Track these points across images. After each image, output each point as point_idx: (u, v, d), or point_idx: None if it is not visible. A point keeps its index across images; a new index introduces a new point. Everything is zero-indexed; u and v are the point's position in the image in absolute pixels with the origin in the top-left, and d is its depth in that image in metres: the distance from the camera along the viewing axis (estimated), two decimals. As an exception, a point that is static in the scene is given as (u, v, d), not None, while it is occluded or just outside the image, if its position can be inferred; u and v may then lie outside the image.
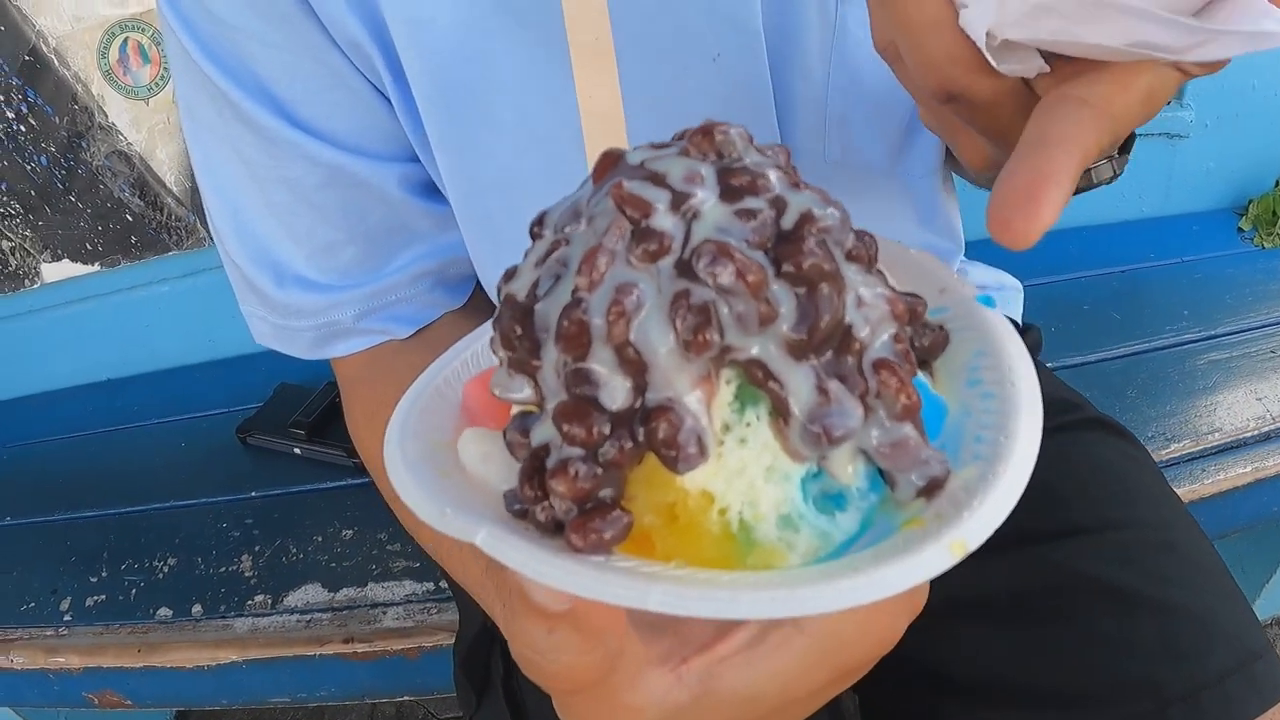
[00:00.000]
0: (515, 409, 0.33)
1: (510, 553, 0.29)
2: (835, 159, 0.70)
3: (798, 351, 0.27)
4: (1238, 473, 1.16)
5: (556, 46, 0.60)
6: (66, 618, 1.37)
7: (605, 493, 0.29)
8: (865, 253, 0.30)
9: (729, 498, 0.29)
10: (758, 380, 0.28)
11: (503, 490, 0.32)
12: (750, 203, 0.28)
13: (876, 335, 0.29)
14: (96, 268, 1.73)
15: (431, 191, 0.75)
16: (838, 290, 0.28)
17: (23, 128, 1.56)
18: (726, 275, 0.26)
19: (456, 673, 0.87)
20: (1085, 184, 0.51)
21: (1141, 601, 0.72)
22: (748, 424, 0.29)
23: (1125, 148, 0.53)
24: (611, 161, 0.31)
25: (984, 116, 0.41)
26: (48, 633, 1.36)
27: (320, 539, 1.36)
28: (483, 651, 0.84)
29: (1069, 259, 1.55)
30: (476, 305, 0.83)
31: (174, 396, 1.81)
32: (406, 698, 1.32)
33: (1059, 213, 0.32)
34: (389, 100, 0.69)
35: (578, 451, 0.28)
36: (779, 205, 0.29)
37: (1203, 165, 1.66)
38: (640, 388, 0.28)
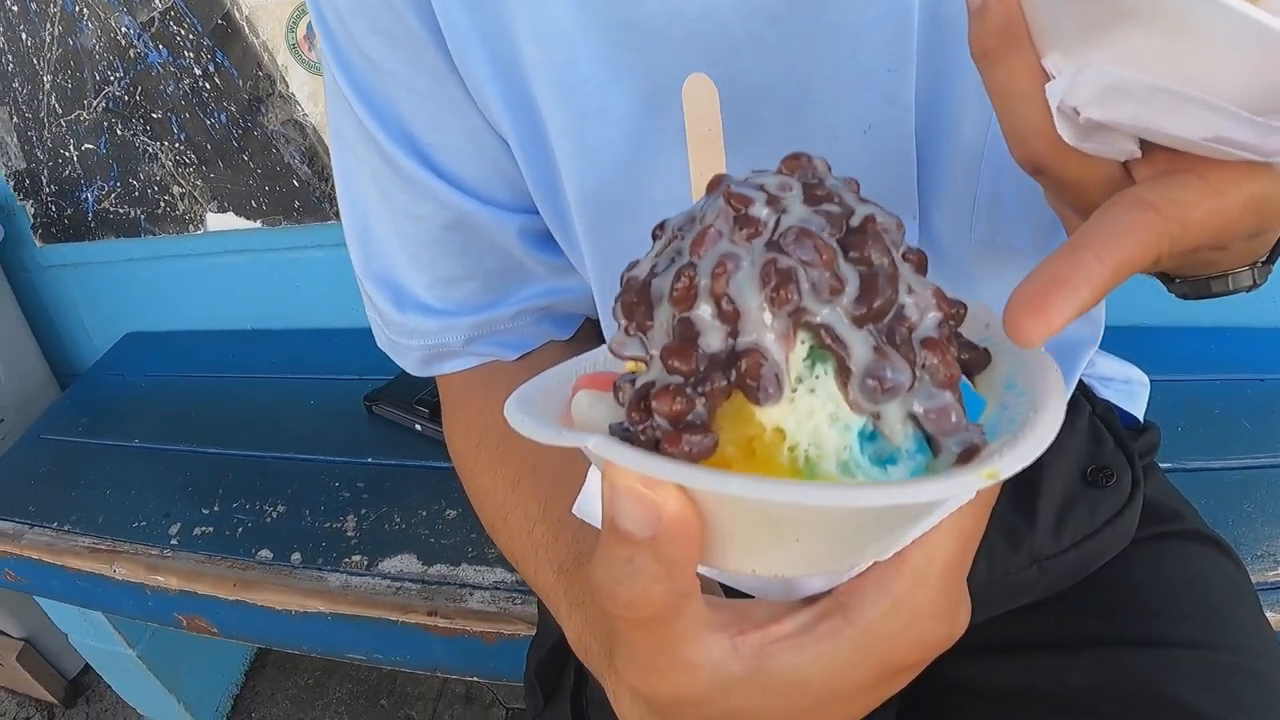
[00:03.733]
0: (623, 370, 0.37)
1: (618, 451, 0.31)
2: (980, 239, 0.66)
3: (859, 320, 0.31)
4: (1342, 607, 1.05)
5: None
6: (173, 541, 1.37)
7: (697, 414, 0.32)
8: (918, 258, 0.34)
9: (798, 436, 0.32)
10: (825, 342, 0.31)
11: (608, 426, 0.36)
12: (827, 207, 0.33)
13: (924, 318, 0.32)
14: (258, 224, 1.73)
15: (548, 243, 0.74)
16: (892, 274, 0.32)
17: (208, 85, 1.57)
18: (806, 251, 0.31)
19: (528, 674, 0.85)
20: (1222, 289, 0.47)
21: None
22: (816, 377, 0.32)
23: (1275, 255, 0.47)
24: (718, 180, 0.35)
25: (1072, 196, 0.39)
26: (153, 552, 1.37)
27: (424, 514, 1.33)
28: (559, 660, 0.82)
29: (1206, 359, 1.42)
30: (582, 339, 0.83)
31: (311, 356, 1.81)
32: (475, 679, 1.29)
33: (1071, 318, 0.32)
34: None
35: (678, 379, 0.32)
36: (848, 209, 0.33)
37: (1365, 277, 1.50)
38: (733, 334, 0.31)
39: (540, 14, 0.58)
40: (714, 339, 0.31)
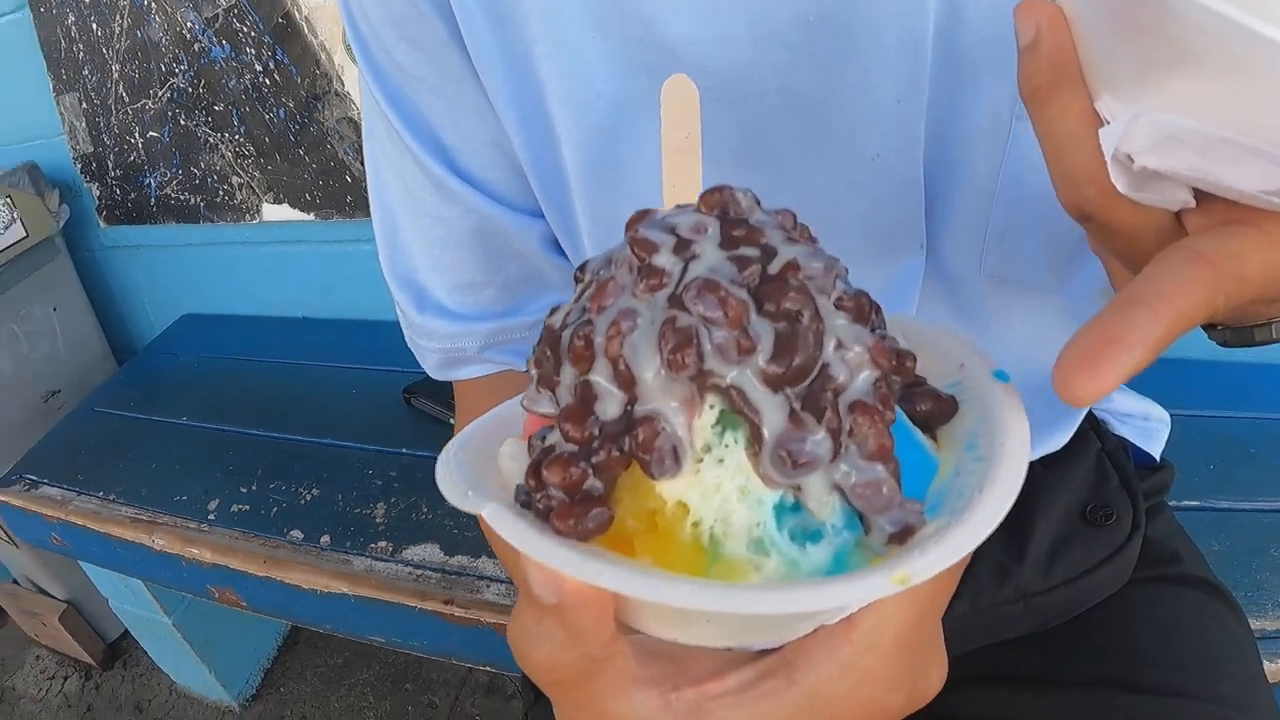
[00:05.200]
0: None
1: (507, 526, 0.30)
2: (990, 273, 0.64)
3: (774, 383, 0.28)
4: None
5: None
6: (210, 517, 1.40)
7: (592, 486, 0.29)
8: (856, 305, 0.30)
9: (703, 511, 0.29)
10: (736, 406, 0.28)
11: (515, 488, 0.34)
12: (744, 250, 0.29)
13: (855, 377, 0.29)
14: (311, 217, 1.75)
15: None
16: (815, 329, 0.28)
17: (268, 81, 1.59)
18: (710, 307, 0.27)
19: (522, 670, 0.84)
20: (1265, 338, 0.44)
21: None
22: (726, 445, 0.29)
23: None
24: (639, 218, 0.32)
25: (1122, 245, 0.37)
26: (190, 525, 1.40)
27: (451, 506, 1.33)
28: None
29: (1244, 395, 1.32)
30: None
31: (355, 346, 1.82)
32: (487, 667, 1.30)
33: (1126, 378, 0.29)
34: None
35: (572, 448, 0.30)
36: (769, 253, 0.29)
37: None
38: (631, 400, 0.29)
39: (557, 30, 0.58)
40: (611, 405, 0.29)
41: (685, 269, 0.29)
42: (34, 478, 1.58)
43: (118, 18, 1.64)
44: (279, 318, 2.01)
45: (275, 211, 1.78)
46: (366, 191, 0.67)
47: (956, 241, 0.63)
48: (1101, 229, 0.37)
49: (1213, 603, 0.76)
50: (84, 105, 1.81)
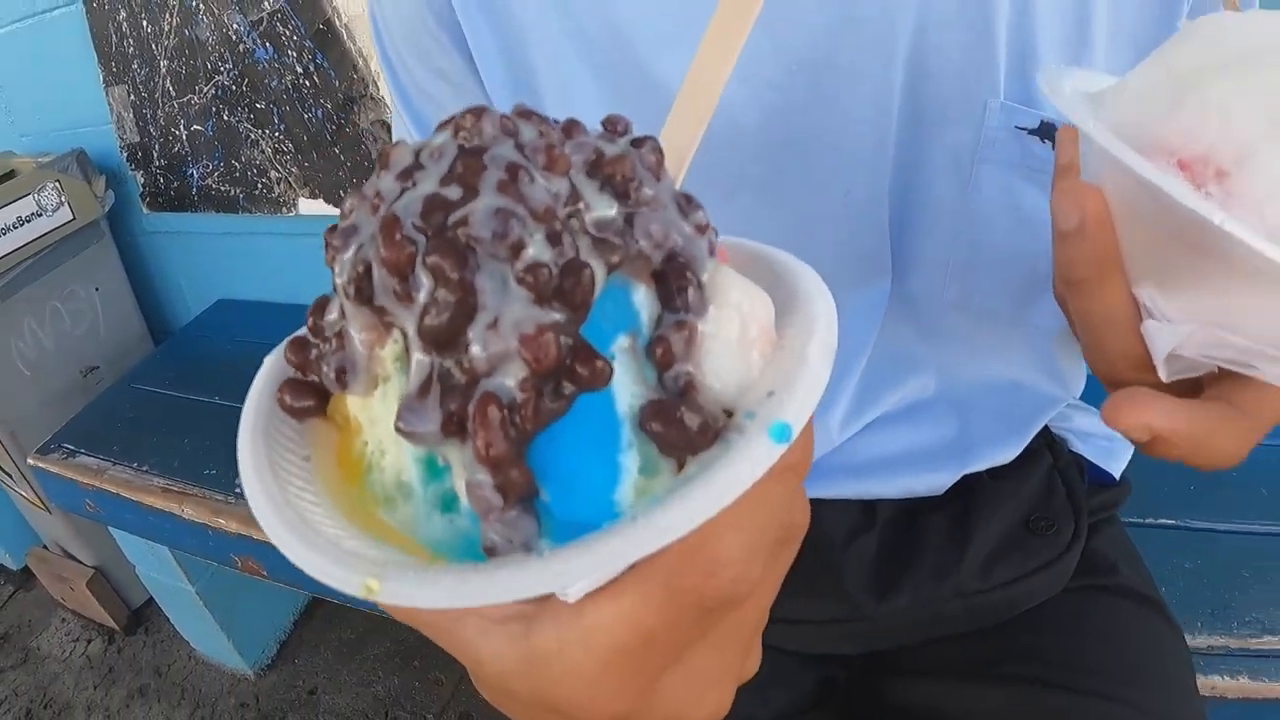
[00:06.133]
0: None
1: (249, 408, 0.31)
2: (953, 302, 0.68)
3: (424, 342, 0.24)
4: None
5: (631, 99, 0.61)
6: (238, 490, 1.44)
7: (319, 375, 0.28)
8: (540, 282, 0.24)
9: (369, 435, 0.28)
10: (406, 350, 0.25)
11: None
12: (447, 191, 0.25)
13: (495, 369, 0.24)
14: (343, 212, 1.79)
15: None
16: (461, 300, 0.24)
17: (308, 83, 1.65)
18: (378, 246, 0.24)
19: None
20: None
21: None
22: (397, 385, 0.26)
23: None
24: (475, 115, 0.27)
25: None
26: (218, 498, 1.45)
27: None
28: None
29: None
30: None
31: (384, 337, 1.86)
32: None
33: (1159, 422, 0.34)
34: None
35: (308, 329, 0.29)
36: (466, 199, 0.25)
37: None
38: (340, 310, 0.27)
39: (560, 71, 0.63)
40: (334, 309, 0.28)
41: (400, 196, 0.26)
42: (71, 447, 1.64)
43: (167, 16, 1.70)
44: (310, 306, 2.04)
45: (310, 206, 1.83)
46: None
47: (921, 271, 0.67)
48: (1124, 388, 0.40)
49: (1143, 612, 0.77)
50: (132, 97, 1.87)
